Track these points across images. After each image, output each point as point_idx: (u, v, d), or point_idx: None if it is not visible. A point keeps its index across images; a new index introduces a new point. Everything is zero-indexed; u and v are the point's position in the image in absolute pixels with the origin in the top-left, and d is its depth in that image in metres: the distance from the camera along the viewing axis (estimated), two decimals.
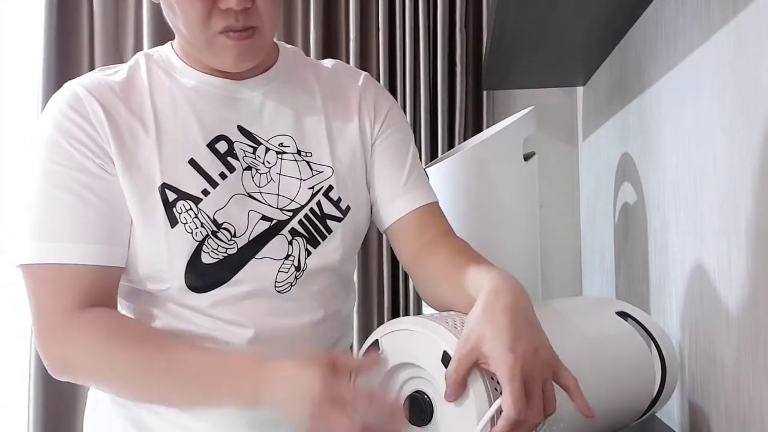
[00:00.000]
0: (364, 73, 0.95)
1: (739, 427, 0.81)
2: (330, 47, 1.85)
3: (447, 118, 1.80)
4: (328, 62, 0.96)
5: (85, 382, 0.80)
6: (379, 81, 1.81)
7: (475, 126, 1.83)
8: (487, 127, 1.78)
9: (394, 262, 1.80)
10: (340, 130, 0.89)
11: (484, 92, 1.83)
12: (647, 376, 0.86)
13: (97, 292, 0.77)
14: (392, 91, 1.82)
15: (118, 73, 0.83)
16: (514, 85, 1.75)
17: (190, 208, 0.78)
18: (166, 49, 0.87)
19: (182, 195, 0.78)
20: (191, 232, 0.78)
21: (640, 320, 0.90)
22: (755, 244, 0.76)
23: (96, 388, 0.80)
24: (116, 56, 1.87)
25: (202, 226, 0.78)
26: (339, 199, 0.86)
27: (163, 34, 1.81)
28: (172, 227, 0.77)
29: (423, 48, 1.79)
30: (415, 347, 0.67)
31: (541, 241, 1.39)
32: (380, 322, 1.81)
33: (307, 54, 1.82)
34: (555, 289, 1.85)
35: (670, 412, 1.07)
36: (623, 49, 1.34)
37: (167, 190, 0.78)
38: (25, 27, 1.98)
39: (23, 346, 1.80)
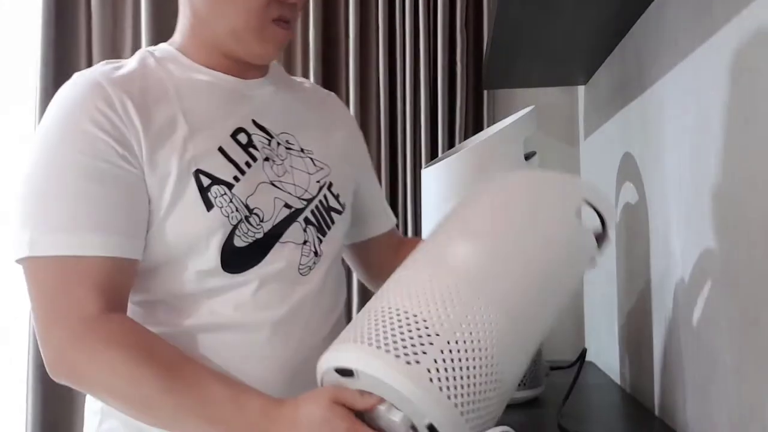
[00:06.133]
0: (334, 94, 1.08)
1: (741, 427, 0.80)
2: (330, 47, 1.85)
3: (447, 118, 1.79)
4: (303, 81, 1.05)
5: (91, 392, 0.77)
6: (379, 81, 1.82)
7: (475, 126, 1.83)
8: (487, 126, 1.77)
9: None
10: (331, 135, 0.97)
11: (485, 92, 1.83)
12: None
13: (114, 291, 0.76)
14: (392, 91, 1.82)
15: (127, 65, 0.84)
16: (515, 84, 1.74)
17: (225, 193, 0.81)
18: (167, 48, 0.88)
19: (216, 180, 0.81)
20: (228, 216, 0.80)
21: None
22: (757, 244, 0.75)
23: (99, 400, 0.78)
24: (114, 56, 1.86)
25: (237, 210, 0.81)
26: (338, 195, 0.93)
27: (161, 33, 1.80)
28: (208, 211, 0.79)
29: (423, 48, 1.79)
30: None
31: None
32: None
33: (307, 54, 1.84)
34: None
35: (671, 412, 1.06)
36: (624, 48, 1.34)
37: (201, 176, 0.80)
38: (22, 27, 1.98)
39: (22, 347, 1.80)
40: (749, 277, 0.77)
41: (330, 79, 1.84)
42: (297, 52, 1.85)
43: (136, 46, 1.86)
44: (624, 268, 1.37)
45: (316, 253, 0.88)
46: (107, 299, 0.74)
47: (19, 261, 0.76)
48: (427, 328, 0.69)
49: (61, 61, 1.83)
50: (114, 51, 1.86)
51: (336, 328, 0.92)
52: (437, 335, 0.69)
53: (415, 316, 0.70)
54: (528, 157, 1.38)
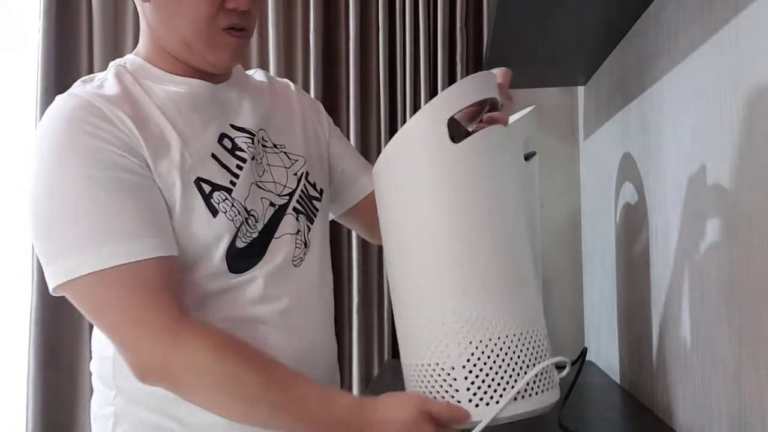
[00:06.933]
0: (286, 80, 1.07)
1: (741, 427, 0.81)
2: (330, 47, 1.85)
3: None
4: (255, 72, 1.04)
5: (185, 392, 0.76)
6: (379, 81, 1.82)
7: None
8: None
9: None
10: (296, 124, 0.98)
11: None
12: None
13: (177, 290, 0.77)
14: (392, 91, 1.82)
15: (107, 83, 0.84)
16: (515, 84, 1.71)
17: (226, 198, 0.83)
18: (135, 59, 0.88)
19: (216, 186, 0.83)
20: (232, 220, 0.83)
21: None
22: (757, 244, 0.75)
23: (186, 399, 0.76)
24: (115, 56, 1.86)
25: (238, 213, 0.84)
26: (315, 183, 0.96)
27: None
28: (214, 217, 0.82)
29: (423, 48, 1.79)
30: None
31: (542, 241, 1.38)
32: (380, 322, 1.81)
33: (308, 55, 1.84)
34: (555, 289, 1.85)
35: (671, 411, 1.06)
36: (624, 48, 1.34)
37: (202, 183, 0.82)
38: (23, 27, 1.98)
39: (21, 347, 1.80)
40: (749, 277, 0.77)
41: (330, 79, 1.84)
42: (297, 53, 1.86)
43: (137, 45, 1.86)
44: (624, 268, 1.37)
45: (305, 244, 0.91)
46: (178, 299, 0.76)
47: (67, 284, 0.75)
48: (443, 369, 0.72)
49: (61, 63, 1.83)
50: (115, 52, 1.86)
51: (330, 315, 0.97)
52: (452, 368, 0.72)
53: (429, 364, 0.74)
54: (528, 157, 1.38)
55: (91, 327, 1.69)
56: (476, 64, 1.83)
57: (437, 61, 1.80)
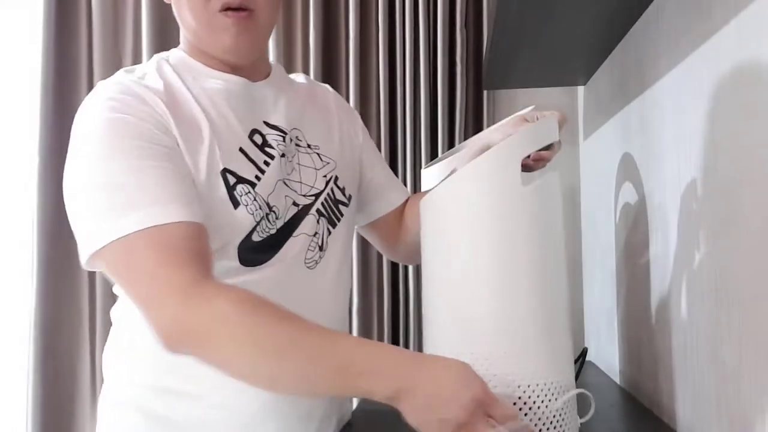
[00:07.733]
0: (327, 85, 1.09)
1: (741, 427, 0.81)
2: (330, 47, 1.85)
3: (447, 118, 1.79)
4: (297, 75, 1.06)
5: (211, 354, 0.72)
6: (379, 81, 1.82)
7: (475, 126, 1.83)
8: (488, 126, 1.77)
9: (394, 262, 1.80)
10: (332, 128, 1.00)
11: (485, 92, 1.83)
12: None
13: (205, 256, 0.76)
14: (392, 91, 1.82)
15: (148, 73, 0.87)
16: (515, 84, 1.74)
17: (249, 192, 0.85)
18: (179, 53, 0.92)
19: (240, 179, 0.85)
20: (252, 214, 0.84)
21: None
22: (757, 244, 0.75)
23: (215, 365, 0.72)
24: (115, 56, 1.86)
25: (260, 208, 0.85)
26: (344, 188, 0.97)
27: (162, 35, 1.81)
28: (235, 209, 0.83)
29: (423, 48, 1.79)
30: None
31: None
32: (380, 322, 1.81)
33: (307, 54, 1.84)
34: None
35: (671, 412, 1.06)
36: (624, 49, 1.34)
37: (228, 174, 0.84)
38: (23, 28, 1.98)
39: (21, 347, 1.80)
40: (749, 277, 0.77)
41: (330, 79, 1.84)
42: (297, 53, 1.86)
43: (137, 47, 1.86)
44: (624, 268, 1.37)
45: (320, 248, 0.91)
46: (204, 263, 0.75)
47: (98, 253, 0.75)
48: None
49: (62, 62, 1.84)
50: (115, 50, 1.86)
51: (343, 322, 0.97)
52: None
53: None
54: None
55: (91, 328, 1.70)
56: (476, 64, 1.83)
57: (437, 61, 1.79)
